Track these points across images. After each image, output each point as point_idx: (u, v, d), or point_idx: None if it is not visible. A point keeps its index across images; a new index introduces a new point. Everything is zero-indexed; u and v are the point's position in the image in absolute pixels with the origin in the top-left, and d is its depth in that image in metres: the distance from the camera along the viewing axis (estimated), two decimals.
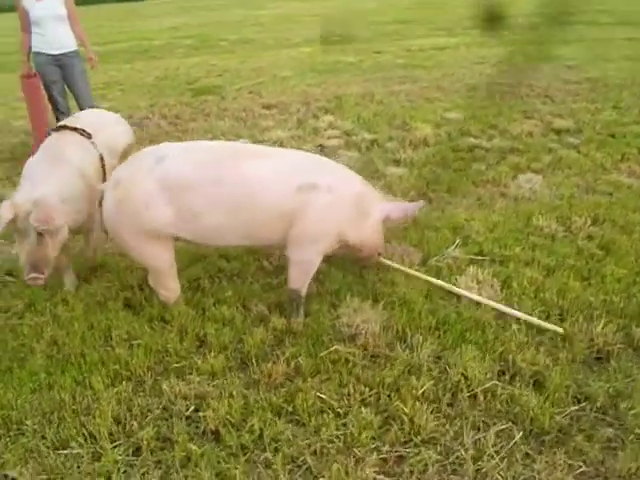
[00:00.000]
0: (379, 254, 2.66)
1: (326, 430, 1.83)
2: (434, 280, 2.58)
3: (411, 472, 1.69)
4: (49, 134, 2.80)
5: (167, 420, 1.92)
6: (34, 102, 4.48)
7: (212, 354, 2.21)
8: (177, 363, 2.19)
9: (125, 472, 1.73)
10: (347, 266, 2.76)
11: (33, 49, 4.41)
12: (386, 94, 6.45)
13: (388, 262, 2.72)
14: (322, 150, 4.69)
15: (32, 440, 1.84)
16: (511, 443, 1.76)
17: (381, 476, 1.68)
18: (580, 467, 1.67)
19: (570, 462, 1.69)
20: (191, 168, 2.22)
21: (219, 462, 1.74)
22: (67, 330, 2.41)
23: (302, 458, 1.76)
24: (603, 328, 2.20)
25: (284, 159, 2.38)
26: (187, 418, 1.93)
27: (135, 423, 1.89)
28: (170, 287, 2.48)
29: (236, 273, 2.84)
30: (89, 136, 2.77)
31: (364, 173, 3.74)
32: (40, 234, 2.29)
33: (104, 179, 2.69)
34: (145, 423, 1.89)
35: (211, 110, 6.39)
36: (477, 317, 2.31)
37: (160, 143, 2.46)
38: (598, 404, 1.89)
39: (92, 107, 4.52)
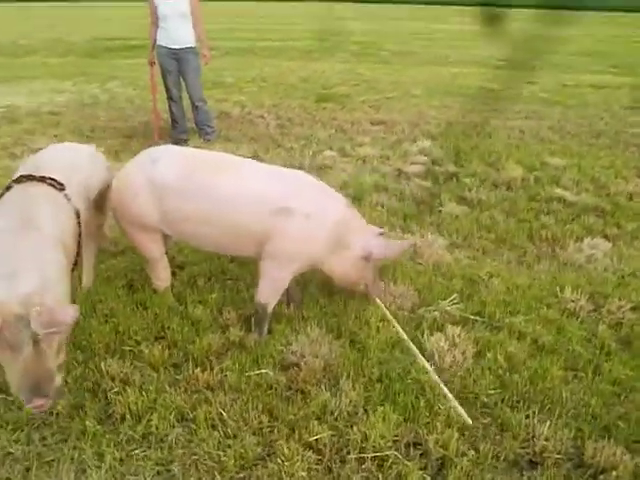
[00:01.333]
0: (367, 286, 2.59)
1: (207, 445, 1.88)
2: (399, 329, 2.45)
3: None
4: (8, 187, 2.16)
5: (82, 394, 2.11)
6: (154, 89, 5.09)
7: (161, 347, 2.36)
8: (129, 346, 2.38)
9: None
10: (332, 294, 2.73)
11: (157, 41, 4.98)
12: (500, 128, 6.09)
13: (375, 299, 2.64)
14: (399, 174, 4.61)
15: None
16: None
17: None
18: None
19: None
20: (174, 176, 2.37)
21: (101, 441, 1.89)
22: None
23: (172, 466, 1.83)
24: (555, 432, 1.93)
25: (268, 180, 2.42)
26: (105, 398, 2.11)
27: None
28: (160, 277, 2.69)
29: (234, 278, 2.96)
30: (61, 187, 2.21)
31: (411, 208, 3.69)
32: (36, 341, 1.67)
33: (79, 238, 2.26)
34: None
35: (321, 118, 6.59)
36: (421, 381, 2.16)
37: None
38: None
39: (200, 99, 4.99)
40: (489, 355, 2.32)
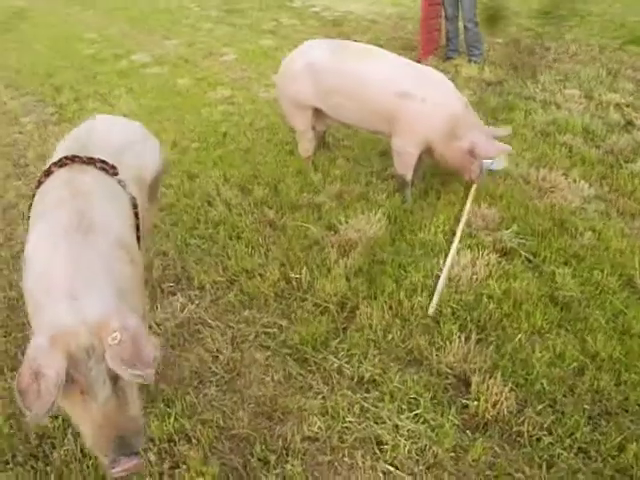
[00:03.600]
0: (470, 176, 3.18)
1: None
2: (460, 226, 2.98)
3: None
4: (48, 172, 1.82)
5: None
6: (424, 3, 5.72)
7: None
8: None
9: None
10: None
11: None
12: None
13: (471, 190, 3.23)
14: None
15: None
16: None
17: None
18: None
19: None
20: (327, 59, 3.24)
21: None
22: None
23: None
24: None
25: (399, 69, 3.13)
26: None
27: None
28: (303, 147, 3.67)
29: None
30: (114, 171, 1.88)
31: None
32: (116, 381, 1.35)
33: (138, 232, 1.92)
34: None
35: None
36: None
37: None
38: None
39: (470, 20, 5.43)
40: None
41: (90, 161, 1.84)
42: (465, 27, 5.64)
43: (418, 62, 5.42)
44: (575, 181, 3.50)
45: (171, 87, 5.64)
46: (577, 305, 2.49)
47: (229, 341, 2.47)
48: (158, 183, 2.40)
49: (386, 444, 1.95)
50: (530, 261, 2.81)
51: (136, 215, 1.92)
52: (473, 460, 1.88)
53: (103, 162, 1.87)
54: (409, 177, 3.25)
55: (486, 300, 2.52)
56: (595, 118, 4.36)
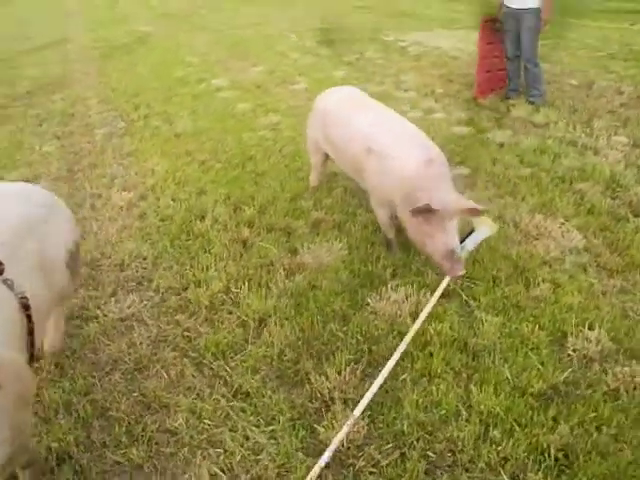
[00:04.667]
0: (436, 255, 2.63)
1: None
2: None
3: None
4: None
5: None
6: (481, 42, 5.70)
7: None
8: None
9: None
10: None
11: (504, 1, 5.53)
12: None
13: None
14: None
15: None
16: None
17: None
18: None
19: None
20: (332, 107, 3.39)
21: None
22: None
23: None
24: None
25: (371, 123, 3.02)
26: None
27: None
28: (312, 177, 3.94)
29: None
30: None
31: None
32: None
33: (31, 339, 1.73)
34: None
35: None
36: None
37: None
38: None
39: (529, 60, 5.38)
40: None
41: None
42: (525, 67, 5.54)
43: (474, 101, 5.61)
44: (569, 230, 3.36)
45: (230, 111, 6.16)
46: (487, 355, 2.44)
47: (152, 338, 2.75)
48: (76, 258, 2.16)
49: (226, 450, 2.09)
50: (469, 305, 2.77)
51: (29, 318, 1.67)
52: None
53: None
54: (389, 235, 3.15)
55: (392, 336, 2.55)
56: (631, 168, 4.09)
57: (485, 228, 2.83)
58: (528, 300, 2.76)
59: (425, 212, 2.51)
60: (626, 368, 2.30)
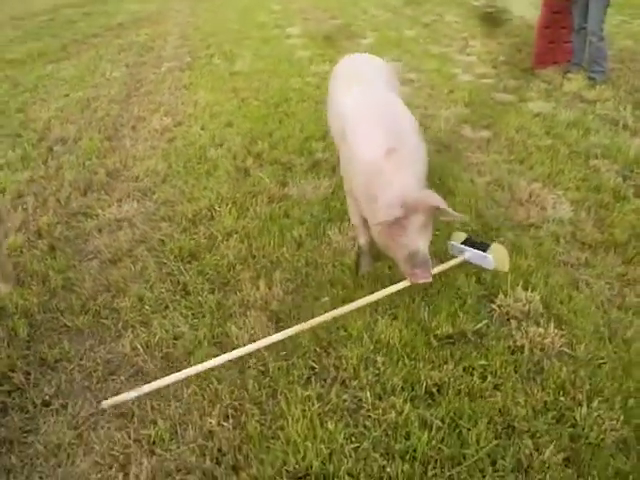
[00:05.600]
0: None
1: None
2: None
3: None
4: None
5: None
6: (545, 10, 5.42)
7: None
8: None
9: None
10: None
11: None
12: None
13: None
14: None
15: None
16: None
17: None
18: None
19: None
20: (331, 82, 2.97)
21: None
22: None
23: None
24: None
25: (362, 100, 2.53)
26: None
27: None
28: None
29: None
30: None
31: None
32: None
33: None
34: None
35: None
36: None
37: None
38: None
39: (594, 34, 5.11)
40: None
41: None
42: (589, 40, 5.25)
43: (531, 71, 5.41)
44: (561, 202, 3.30)
45: (289, 56, 6.35)
46: (409, 295, 2.54)
47: (135, 238, 3.12)
48: None
49: (152, 332, 2.40)
50: None
51: None
52: None
53: None
54: (361, 241, 2.64)
55: (332, 265, 2.72)
56: None
57: (494, 259, 2.32)
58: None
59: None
60: (540, 329, 2.33)
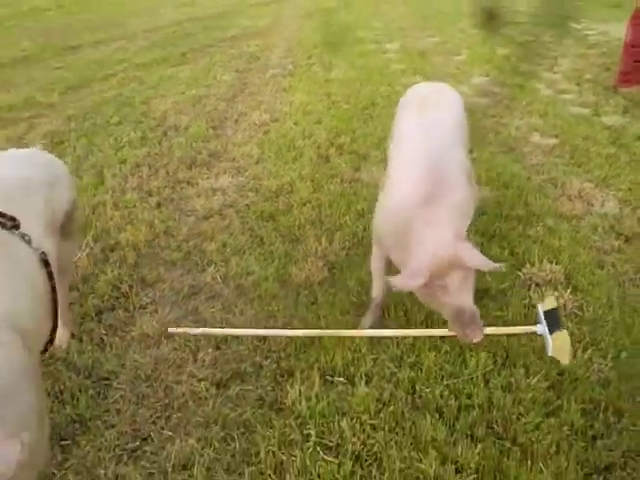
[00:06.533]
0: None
1: None
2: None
3: None
4: None
5: None
6: (632, 29, 5.61)
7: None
8: None
9: None
10: None
11: None
12: None
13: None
14: None
15: None
16: None
17: None
18: None
19: None
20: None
21: None
22: None
23: None
24: None
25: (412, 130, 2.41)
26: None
27: None
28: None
29: None
30: (14, 224, 1.56)
31: None
32: None
33: (54, 296, 1.65)
34: None
35: None
36: None
37: None
38: None
39: None
40: None
41: None
42: None
43: (614, 89, 5.61)
44: (609, 200, 3.59)
45: (383, 69, 6.95)
46: None
47: (225, 203, 3.77)
48: (72, 221, 2.08)
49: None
50: None
51: (50, 275, 1.60)
52: None
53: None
54: (374, 293, 2.49)
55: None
56: None
57: (553, 347, 1.96)
58: (517, 235, 3.18)
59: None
60: (556, 293, 2.69)
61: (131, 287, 2.92)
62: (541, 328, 1.99)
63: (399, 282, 1.92)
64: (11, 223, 1.53)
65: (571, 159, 4.19)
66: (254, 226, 3.43)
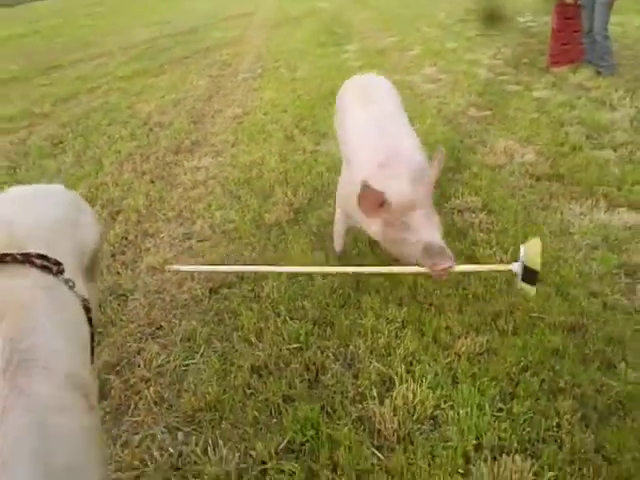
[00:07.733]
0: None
1: None
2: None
3: None
4: None
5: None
6: (556, 18, 6.51)
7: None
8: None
9: None
10: None
11: None
12: None
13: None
14: None
15: None
16: None
17: None
18: None
19: None
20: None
21: None
22: None
23: None
24: None
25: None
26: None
27: None
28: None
29: None
30: (59, 269, 1.40)
31: None
32: None
33: (92, 344, 1.49)
34: None
35: None
36: None
37: None
38: None
39: (598, 32, 6.14)
40: None
41: (24, 258, 1.31)
42: (595, 39, 6.26)
43: (547, 69, 6.49)
44: (528, 152, 4.40)
45: (342, 66, 7.78)
46: None
47: (202, 179, 4.53)
48: (98, 262, 1.95)
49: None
50: None
51: (90, 322, 1.48)
52: None
53: (43, 257, 1.35)
54: (337, 248, 3.10)
55: None
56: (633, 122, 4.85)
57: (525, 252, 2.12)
58: (447, 180, 3.96)
59: (374, 202, 2.17)
60: (473, 214, 3.48)
61: (136, 236, 3.66)
62: (516, 266, 2.09)
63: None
64: (56, 268, 1.37)
65: (501, 125, 5.02)
66: (233, 190, 4.19)
